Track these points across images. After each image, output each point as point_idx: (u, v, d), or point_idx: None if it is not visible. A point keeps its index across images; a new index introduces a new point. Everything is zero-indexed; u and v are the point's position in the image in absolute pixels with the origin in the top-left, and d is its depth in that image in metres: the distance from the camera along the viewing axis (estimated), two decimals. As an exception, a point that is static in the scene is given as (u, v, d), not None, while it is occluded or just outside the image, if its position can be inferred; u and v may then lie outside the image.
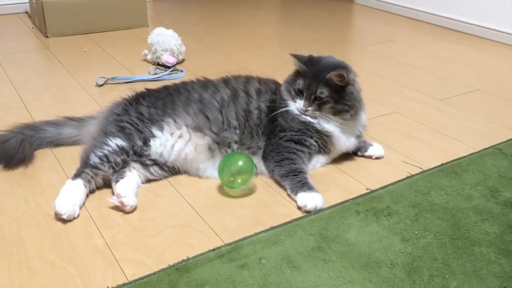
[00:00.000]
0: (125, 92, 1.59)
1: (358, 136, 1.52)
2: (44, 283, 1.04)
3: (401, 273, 1.07)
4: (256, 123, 1.46)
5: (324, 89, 1.40)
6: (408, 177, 1.43)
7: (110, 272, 1.07)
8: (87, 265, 1.09)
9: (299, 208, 1.30)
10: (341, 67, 1.44)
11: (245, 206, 1.32)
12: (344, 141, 1.47)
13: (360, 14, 3.47)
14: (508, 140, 1.64)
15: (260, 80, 1.56)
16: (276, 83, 1.57)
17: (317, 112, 1.42)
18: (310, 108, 1.42)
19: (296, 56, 1.46)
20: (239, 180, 1.33)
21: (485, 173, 1.44)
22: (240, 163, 1.34)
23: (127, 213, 1.27)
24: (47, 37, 2.75)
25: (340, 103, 1.42)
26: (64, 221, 1.23)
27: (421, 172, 1.45)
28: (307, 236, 1.18)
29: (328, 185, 1.41)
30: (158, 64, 2.33)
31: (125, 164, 1.37)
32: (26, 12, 3.23)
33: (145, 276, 1.05)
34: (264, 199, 1.34)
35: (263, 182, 1.42)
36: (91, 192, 1.35)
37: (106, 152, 1.36)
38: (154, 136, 1.41)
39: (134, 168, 1.38)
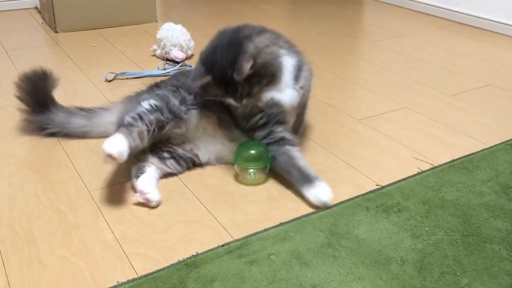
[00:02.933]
0: (135, 87, 1.60)
1: None
2: (54, 277, 1.05)
3: (412, 270, 1.06)
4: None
5: None
6: (418, 173, 1.42)
7: (120, 267, 1.08)
8: (97, 260, 1.10)
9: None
10: None
11: (255, 201, 1.31)
12: None
13: (370, 8, 3.44)
14: (520, 136, 1.62)
15: None
16: None
17: None
18: None
19: None
20: (251, 170, 1.36)
21: (496, 169, 1.43)
22: (253, 151, 1.35)
23: (138, 207, 1.27)
24: (56, 32, 2.76)
25: None
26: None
27: (431, 168, 1.44)
28: (316, 232, 1.17)
29: (338, 181, 1.40)
30: (167, 59, 2.32)
31: (159, 124, 1.32)
32: (36, 8, 3.24)
33: (155, 272, 1.05)
34: (274, 195, 1.34)
35: (272, 178, 1.41)
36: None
37: (139, 111, 1.32)
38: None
39: (152, 164, 1.37)
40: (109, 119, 1.52)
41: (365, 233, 1.17)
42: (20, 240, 1.16)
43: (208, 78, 1.32)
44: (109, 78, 2.10)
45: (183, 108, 1.37)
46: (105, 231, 1.19)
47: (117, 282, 1.03)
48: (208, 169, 1.46)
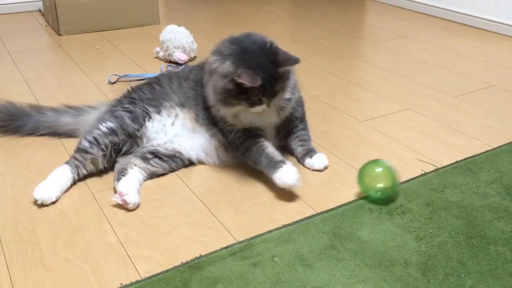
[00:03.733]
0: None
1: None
2: (58, 279, 1.05)
3: (416, 272, 1.05)
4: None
5: None
6: (422, 175, 1.41)
7: (123, 269, 1.08)
8: (101, 262, 1.10)
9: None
10: None
11: (258, 203, 1.31)
12: None
13: (372, 10, 3.44)
14: (524, 137, 1.62)
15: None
16: None
17: None
18: None
19: None
20: (376, 189, 1.27)
21: (500, 171, 1.42)
22: (379, 169, 1.28)
23: (131, 210, 1.27)
24: (60, 35, 2.77)
25: None
26: (42, 206, 1.28)
27: (435, 170, 1.44)
28: (319, 234, 1.17)
29: (341, 183, 1.40)
30: (170, 62, 2.33)
31: (115, 147, 1.40)
32: (39, 10, 3.25)
33: (158, 274, 1.05)
34: (277, 197, 1.34)
35: (276, 180, 1.41)
36: (82, 178, 1.38)
37: (95, 135, 1.40)
38: (150, 116, 1.47)
39: (135, 165, 1.38)
40: (95, 117, 1.54)
41: (368, 235, 1.17)
42: (23, 243, 1.16)
43: (259, 81, 1.25)
44: (112, 81, 2.10)
45: (135, 126, 1.43)
46: (109, 233, 1.19)
47: (121, 284, 1.03)
48: (210, 171, 1.46)
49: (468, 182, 1.37)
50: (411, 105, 1.91)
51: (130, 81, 2.12)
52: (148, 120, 1.47)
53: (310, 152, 1.47)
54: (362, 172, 1.29)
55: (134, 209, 1.27)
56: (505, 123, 1.75)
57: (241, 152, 1.42)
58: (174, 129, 1.48)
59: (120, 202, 1.26)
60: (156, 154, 1.42)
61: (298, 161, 1.50)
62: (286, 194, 1.34)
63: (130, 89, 1.58)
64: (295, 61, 1.33)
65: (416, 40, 2.73)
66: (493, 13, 2.83)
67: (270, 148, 1.37)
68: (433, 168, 1.46)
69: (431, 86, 2.08)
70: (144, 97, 1.51)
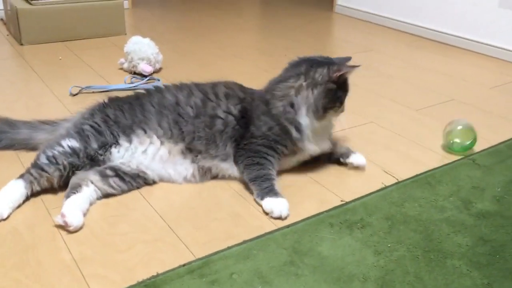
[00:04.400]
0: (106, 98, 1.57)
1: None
2: (7, 301, 1.01)
3: (373, 287, 1.06)
4: (220, 129, 1.43)
5: None
6: (382, 189, 1.43)
7: (77, 289, 1.05)
8: (53, 282, 1.06)
9: (266, 213, 1.31)
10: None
11: (218, 218, 1.30)
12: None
13: (339, 23, 3.49)
14: (481, 151, 1.65)
15: (226, 85, 1.54)
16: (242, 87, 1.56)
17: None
18: None
19: None
20: (456, 143, 1.62)
21: (458, 184, 1.45)
22: (459, 127, 1.63)
23: (71, 231, 1.24)
24: (21, 44, 2.70)
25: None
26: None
27: (395, 183, 1.45)
28: (279, 250, 1.16)
29: (303, 197, 1.40)
30: (135, 73, 2.30)
31: (74, 168, 1.35)
32: (1, 19, 3.17)
33: (113, 293, 1.02)
34: (237, 211, 1.33)
35: (237, 194, 1.40)
36: (36, 194, 1.33)
37: (56, 152, 1.34)
38: (118, 144, 1.40)
39: (92, 182, 1.32)
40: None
41: (328, 250, 1.17)
42: (-28, 263, 1.11)
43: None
44: (74, 92, 2.06)
45: (101, 152, 1.39)
46: (63, 251, 1.15)
47: (73, 305, 1.00)
48: (171, 185, 1.44)
49: (426, 196, 1.39)
50: (374, 118, 1.93)
51: (93, 92, 2.08)
52: (115, 147, 1.41)
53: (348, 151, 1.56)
54: (447, 129, 1.65)
55: (76, 231, 1.21)
56: (464, 136, 1.79)
57: (248, 164, 1.39)
58: (143, 158, 1.41)
59: (62, 224, 1.21)
60: (117, 172, 1.37)
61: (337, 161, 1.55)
62: (247, 209, 1.34)
63: (107, 101, 1.51)
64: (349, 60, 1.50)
65: (381, 54, 2.78)
66: (455, 28, 2.91)
67: (275, 180, 1.38)
68: (394, 181, 1.48)
69: (394, 100, 2.12)
70: (119, 120, 1.43)
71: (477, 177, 1.49)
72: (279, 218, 1.28)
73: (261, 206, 1.33)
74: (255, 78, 2.36)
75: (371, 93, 2.19)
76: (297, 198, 1.39)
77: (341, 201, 1.37)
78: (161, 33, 3.06)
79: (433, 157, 1.63)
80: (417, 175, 1.50)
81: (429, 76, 2.43)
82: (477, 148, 1.68)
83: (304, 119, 1.42)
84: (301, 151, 1.46)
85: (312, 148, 1.46)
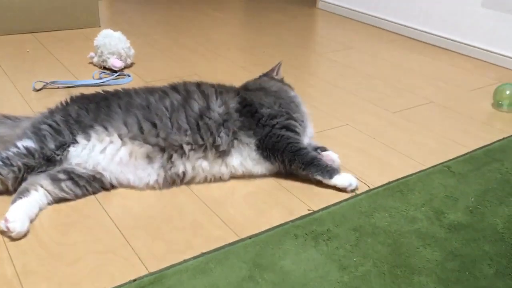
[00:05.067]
0: (65, 97, 1.48)
1: None
2: None
3: (335, 306, 1.00)
4: (218, 120, 1.40)
5: None
6: (352, 197, 1.37)
7: (16, 306, 0.97)
8: (-9, 298, 0.98)
9: (342, 189, 1.39)
10: None
11: (178, 228, 1.22)
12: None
13: (321, 19, 3.42)
14: (457, 157, 1.60)
15: (210, 84, 1.52)
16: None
17: None
18: None
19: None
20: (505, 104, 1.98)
21: (431, 193, 1.39)
22: (508, 92, 1.97)
23: (14, 237, 1.15)
24: (-12, 35, 2.59)
25: None
26: None
27: (366, 192, 1.39)
28: (239, 263, 1.10)
29: (270, 205, 1.33)
30: (105, 68, 2.21)
31: (29, 170, 1.27)
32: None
33: (54, 312, 0.95)
34: (199, 220, 1.26)
35: (200, 201, 1.33)
36: None
37: (10, 153, 1.27)
38: (76, 142, 1.32)
39: (42, 186, 1.25)
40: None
41: (290, 264, 1.10)
42: None
43: None
44: (38, 87, 1.96)
45: (58, 152, 1.32)
46: (5, 263, 1.07)
47: (10, 325, 0.92)
48: (130, 191, 1.36)
49: (397, 205, 1.33)
50: (350, 120, 1.87)
51: (58, 88, 1.99)
52: (73, 146, 1.33)
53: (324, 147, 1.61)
54: (497, 90, 2.02)
55: (19, 238, 1.14)
56: (440, 141, 1.74)
57: (295, 149, 1.41)
58: (101, 157, 1.33)
59: (4, 229, 1.13)
60: (70, 176, 1.29)
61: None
62: (209, 218, 1.27)
63: (71, 99, 1.43)
64: None
65: (361, 52, 2.72)
66: (437, 27, 2.86)
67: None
68: (366, 188, 1.42)
69: (371, 101, 2.06)
70: (81, 120, 1.35)
71: (451, 185, 1.44)
72: (356, 189, 1.39)
73: (330, 184, 1.39)
74: (230, 75, 2.29)
75: (349, 93, 2.13)
76: (263, 206, 1.32)
77: (308, 210, 1.31)
78: (138, 26, 2.96)
79: (408, 163, 1.57)
80: (389, 182, 1.44)
81: (408, 76, 2.38)
82: (453, 154, 1.63)
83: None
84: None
85: (310, 125, 1.58)
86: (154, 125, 1.37)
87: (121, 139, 1.34)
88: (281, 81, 1.73)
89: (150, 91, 1.46)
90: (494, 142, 1.72)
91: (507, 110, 1.98)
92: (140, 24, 3.03)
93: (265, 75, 1.75)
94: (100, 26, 2.86)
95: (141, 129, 1.36)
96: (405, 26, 3.04)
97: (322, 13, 3.54)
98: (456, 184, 1.44)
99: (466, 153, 1.64)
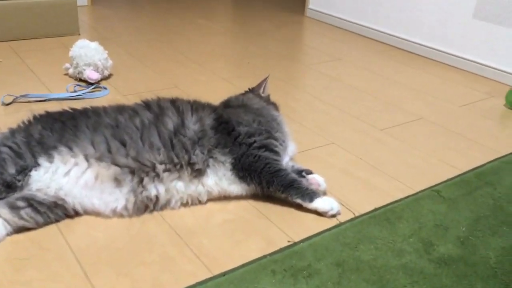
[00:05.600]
0: (36, 112, 1.38)
1: None
2: None
3: None
4: (193, 138, 1.32)
5: None
6: (336, 226, 1.28)
7: None
8: None
9: (323, 213, 1.31)
10: None
11: (146, 262, 1.13)
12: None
13: (309, 28, 3.34)
14: (447, 180, 1.52)
15: (186, 100, 1.44)
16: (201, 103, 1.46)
17: None
18: None
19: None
20: None
21: (420, 221, 1.31)
22: None
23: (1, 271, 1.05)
24: (-40, 43, 2.48)
25: None
26: None
27: (350, 220, 1.30)
28: (210, 305, 1.00)
29: (247, 234, 1.24)
30: (81, 80, 2.10)
31: None
32: None
33: None
34: (169, 253, 1.16)
35: (172, 230, 1.23)
36: None
37: None
38: (38, 165, 1.22)
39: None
40: None
41: (266, 306, 1.01)
42: None
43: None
44: (7, 102, 1.86)
45: (19, 177, 1.22)
46: (-50, 306, 0.97)
47: None
48: (95, 219, 1.26)
49: (384, 236, 1.24)
50: (335, 138, 1.78)
51: (29, 102, 1.88)
52: (35, 170, 1.23)
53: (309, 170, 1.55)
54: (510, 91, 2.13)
55: None
56: (429, 161, 1.66)
57: (274, 171, 1.33)
58: (64, 181, 1.23)
59: None
60: (30, 202, 1.19)
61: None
62: (180, 250, 1.17)
63: (34, 117, 1.33)
64: None
65: (349, 64, 2.64)
66: (427, 38, 2.79)
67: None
68: (350, 215, 1.33)
69: (358, 117, 1.97)
70: (44, 141, 1.25)
71: (441, 212, 1.35)
72: (338, 214, 1.32)
73: (310, 208, 1.31)
74: (211, 88, 2.19)
75: (335, 108, 2.04)
76: (239, 236, 1.23)
77: (289, 241, 1.22)
78: (119, 34, 2.86)
79: (395, 186, 1.49)
80: (375, 209, 1.35)
81: (397, 90, 2.30)
82: (443, 176, 1.55)
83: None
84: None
85: (292, 144, 1.51)
86: (124, 144, 1.27)
87: (87, 160, 1.25)
88: (267, 99, 1.64)
89: (120, 109, 1.37)
90: (486, 164, 1.64)
91: None
92: (122, 32, 2.93)
93: (251, 91, 1.66)
94: (79, 34, 2.75)
95: (109, 149, 1.26)
96: (394, 36, 2.97)
97: (310, 21, 3.46)
98: (446, 211, 1.36)
99: (457, 176, 1.56)
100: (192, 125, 1.35)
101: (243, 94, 1.64)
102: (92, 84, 2.06)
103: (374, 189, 1.47)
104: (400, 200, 1.40)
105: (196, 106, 1.41)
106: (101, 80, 2.13)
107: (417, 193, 1.45)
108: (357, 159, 1.65)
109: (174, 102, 1.41)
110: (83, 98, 1.94)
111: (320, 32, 3.24)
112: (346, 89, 2.27)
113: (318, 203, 1.31)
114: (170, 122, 1.34)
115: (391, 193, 1.45)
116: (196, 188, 1.32)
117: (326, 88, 2.27)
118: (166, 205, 1.31)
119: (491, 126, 1.97)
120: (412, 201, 1.40)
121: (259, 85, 1.66)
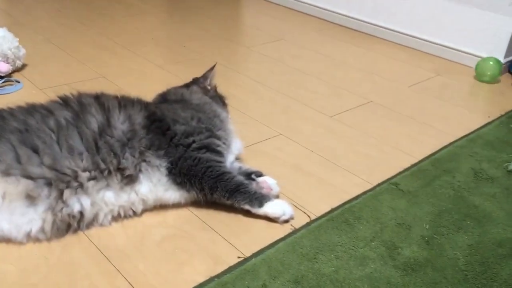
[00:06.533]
0: None
1: None
2: None
3: None
4: (122, 139, 1.13)
5: None
6: (291, 233, 1.14)
7: None
8: None
9: (275, 219, 1.17)
10: None
11: (69, 299, 0.94)
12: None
13: (248, 5, 3.15)
14: (404, 171, 1.42)
15: (113, 95, 1.24)
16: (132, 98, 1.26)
17: None
18: None
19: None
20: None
21: (381, 221, 1.20)
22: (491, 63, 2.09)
23: None
24: None
25: None
26: None
27: (306, 225, 1.17)
28: None
29: (191, 253, 1.07)
30: (-12, 73, 1.82)
31: None
32: None
33: None
34: (98, 285, 0.97)
35: (100, 254, 1.04)
36: None
37: None
38: None
39: None
40: None
41: None
42: None
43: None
44: None
45: None
46: None
47: None
48: (5, 247, 1.05)
49: (344, 241, 1.12)
50: (283, 129, 1.64)
51: None
52: None
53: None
54: (479, 65, 2.13)
55: None
56: (383, 150, 1.55)
57: (217, 175, 1.17)
58: None
59: None
60: None
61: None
62: (111, 279, 0.99)
63: None
64: None
65: (291, 44, 2.49)
66: (370, 15, 2.69)
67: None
68: (305, 220, 1.19)
69: (306, 103, 1.84)
70: None
71: (401, 209, 1.25)
72: (291, 218, 1.18)
73: (259, 214, 1.17)
74: (144, 77, 1.98)
75: (281, 94, 1.90)
76: (182, 256, 1.06)
77: (239, 257, 1.06)
78: (36, 18, 2.54)
79: (351, 181, 1.37)
80: (332, 210, 1.23)
81: (343, 71, 2.18)
82: (399, 165, 1.45)
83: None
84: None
85: (238, 141, 1.36)
86: (35, 151, 1.06)
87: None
88: (213, 92, 1.46)
89: (30, 110, 1.15)
90: (441, 149, 1.56)
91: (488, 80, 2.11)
92: (41, 16, 2.61)
93: (195, 82, 1.47)
94: (-11, 19, 2.42)
95: (17, 158, 1.05)
96: (334, 12, 2.84)
97: (248, -1, 3.27)
98: (407, 206, 1.26)
99: (413, 165, 1.46)
100: (120, 125, 1.15)
101: (186, 86, 1.45)
102: (1, 77, 1.79)
103: (328, 185, 1.35)
104: (358, 197, 1.29)
105: (125, 102, 1.21)
106: (13, 72, 1.85)
107: (374, 187, 1.34)
108: (308, 151, 1.51)
109: (98, 98, 1.20)
110: (-9, 95, 1.68)
111: (260, 10, 3.06)
112: (290, 72, 2.13)
113: (269, 208, 1.16)
114: (94, 121, 1.13)
115: (347, 190, 1.33)
116: (129, 197, 1.14)
117: (270, 71, 2.12)
118: (93, 221, 1.12)
119: (441, 107, 1.89)
120: (370, 198, 1.28)
121: (205, 76, 1.47)
